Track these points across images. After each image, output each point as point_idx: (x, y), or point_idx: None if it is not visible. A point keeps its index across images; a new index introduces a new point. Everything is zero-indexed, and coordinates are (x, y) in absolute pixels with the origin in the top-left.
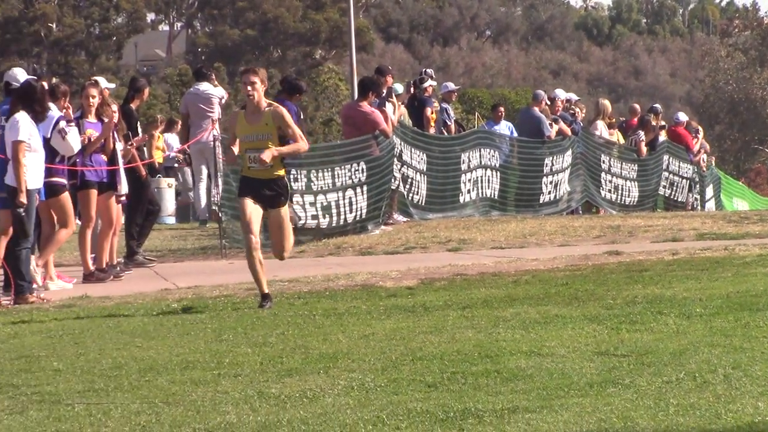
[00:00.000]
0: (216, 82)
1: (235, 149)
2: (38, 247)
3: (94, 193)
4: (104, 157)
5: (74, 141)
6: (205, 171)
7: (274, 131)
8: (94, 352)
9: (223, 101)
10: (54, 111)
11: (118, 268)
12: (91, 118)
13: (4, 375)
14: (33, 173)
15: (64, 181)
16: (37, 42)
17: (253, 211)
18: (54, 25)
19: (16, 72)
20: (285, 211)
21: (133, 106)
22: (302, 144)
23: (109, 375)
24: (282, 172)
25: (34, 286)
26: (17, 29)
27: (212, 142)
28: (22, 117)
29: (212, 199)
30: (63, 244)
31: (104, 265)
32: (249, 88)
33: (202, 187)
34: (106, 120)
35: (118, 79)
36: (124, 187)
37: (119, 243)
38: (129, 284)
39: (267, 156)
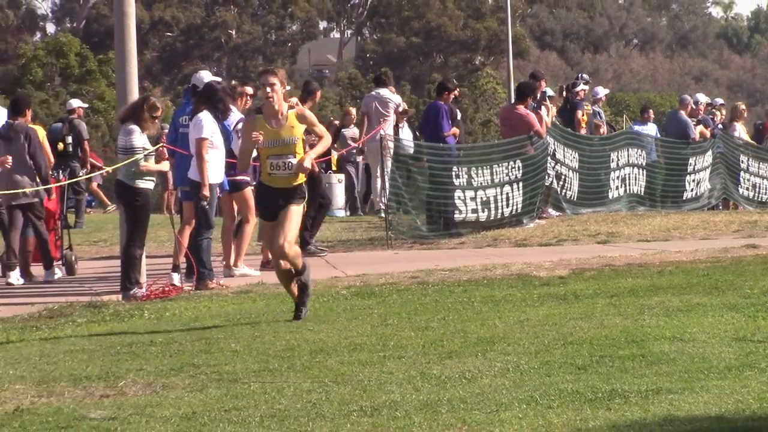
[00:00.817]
0: (394, 89)
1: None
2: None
3: None
4: None
5: None
6: (379, 167)
7: (300, 134)
8: (269, 335)
9: (400, 108)
10: (235, 113)
11: None
12: None
13: (186, 355)
14: (214, 168)
15: (247, 177)
16: (218, 47)
17: (271, 233)
18: (233, 32)
19: (202, 75)
20: (296, 209)
21: (306, 107)
22: (327, 138)
23: (282, 356)
24: (302, 181)
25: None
26: (199, 35)
27: (380, 142)
28: (206, 116)
29: (381, 194)
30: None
31: None
32: (268, 90)
33: (378, 181)
34: None
35: (292, 83)
36: None
37: None
38: None
39: (308, 163)
